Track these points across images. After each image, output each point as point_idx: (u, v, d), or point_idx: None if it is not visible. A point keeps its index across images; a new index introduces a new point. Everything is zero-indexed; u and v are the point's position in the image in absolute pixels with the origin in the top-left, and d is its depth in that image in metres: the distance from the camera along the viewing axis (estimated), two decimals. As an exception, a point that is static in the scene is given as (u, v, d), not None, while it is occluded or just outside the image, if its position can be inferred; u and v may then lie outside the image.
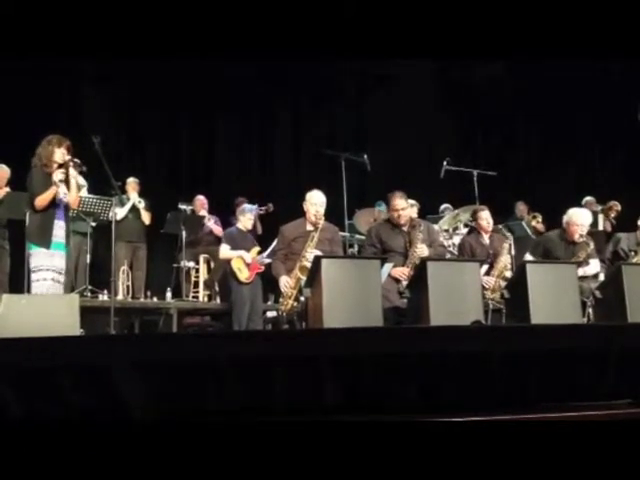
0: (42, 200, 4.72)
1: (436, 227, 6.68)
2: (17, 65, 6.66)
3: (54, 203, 4.77)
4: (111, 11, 5.35)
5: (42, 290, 4.61)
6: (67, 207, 4.92)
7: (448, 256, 6.23)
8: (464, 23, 5.81)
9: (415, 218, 5.23)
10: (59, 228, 4.80)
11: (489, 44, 6.04)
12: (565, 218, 5.80)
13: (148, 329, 6.93)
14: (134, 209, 7.21)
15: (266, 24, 5.69)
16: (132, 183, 7.29)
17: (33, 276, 4.68)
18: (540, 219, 8.05)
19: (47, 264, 4.68)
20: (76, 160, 4.85)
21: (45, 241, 4.70)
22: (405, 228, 5.22)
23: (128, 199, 7.18)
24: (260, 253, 6.61)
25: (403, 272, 5.00)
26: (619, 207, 8.06)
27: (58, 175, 4.77)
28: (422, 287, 4.53)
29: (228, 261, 6.50)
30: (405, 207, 5.27)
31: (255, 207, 7.16)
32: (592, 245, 5.71)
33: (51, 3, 5.28)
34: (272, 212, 7.44)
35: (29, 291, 4.72)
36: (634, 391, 3.35)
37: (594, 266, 5.76)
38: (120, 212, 6.99)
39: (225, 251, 6.53)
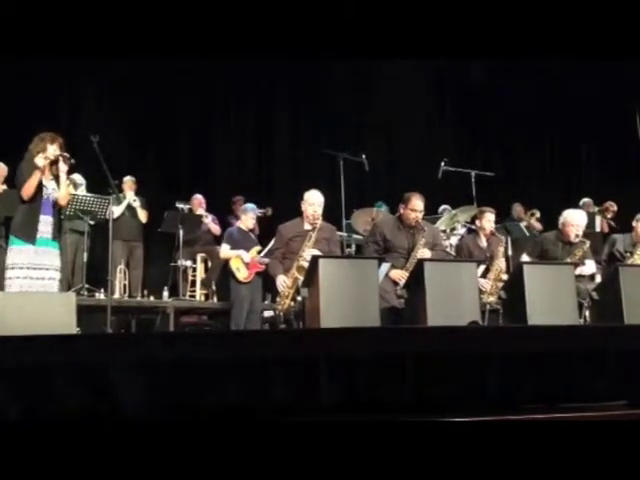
0: (27, 188, 4.64)
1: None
2: (16, 64, 6.66)
3: (40, 195, 4.69)
4: (110, 10, 5.34)
5: (15, 289, 4.49)
6: (55, 203, 4.81)
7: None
8: (463, 23, 5.82)
9: (421, 221, 5.21)
10: (47, 223, 4.70)
11: (488, 44, 6.05)
12: (561, 219, 5.85)
13: (145, 328, 6.92)
14: (130, 208, 7.20)
15: (266, 24, 5.69)
16: (129, 182, 7.28)
17: (7, 273, 4.58)
18: (538, 215, 8.07)
19: (23, 262, 4.57)
20: (64, 154, 4.78)
21: (30, 236, 4.60)
22: (412, 230, 5.22)
23: (124, 198, 7.17)
24: (260, 252, 6.60)
25: (402, 276, 4.98)
26: (615, 208, 8.09)
27: (40, 160, 4.68)
28: (419, 287, 4.53)
29: (227, 261, 6.50)
30: (422, 209, 5.27)
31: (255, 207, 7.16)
32: (588, 244, 5.74)
33: (51, 3, 5.27)
34: (265, 218, 7.44)
35: (2, 289, 4.60)
36: (630, 392, 3.36)
37: (590, 266, 5.78)
38: (116, 211, 6.95)
39: (225, 251, 6.54)
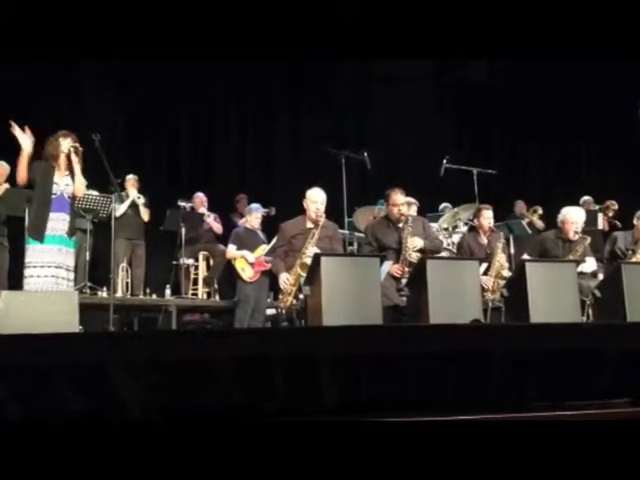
0: (18, 172, 4.71)
1: (435, 225, 6.69)
2: (18, 63, 6.65)
3: (50, 193, 4.71)
4: (112, 10, 5.34)
5: (33, 288, 4.52)
6: (73, 198, 4.87)
7: (446, 254, 6.23)
8: (464, 23, 5.82)
9: (406, 214, 5.26)
10: (61, 221, 4.72)
11: (489, 43, 6.05)
12: (559, 217, 5.89)
13: (147, 326, 6.93)
14: (133, 206, 7.21)
15: (267, 24, 5.70)
16: (131, 180, 7.29)
17: (25, 272, 4.61)
18: (540, 212, 8.06)
19: (39, 260, 4.59)
20: (75, 144, 4.82)
21: (38, 234, 4.62)
22: (400, 225, 5.25)
23: (127, 196, 7.18)
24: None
25: (398, 269, 5.04)
26: (616, 206, 8.07)
27: (26, 143, 4.71)
28: (421, 285, 4.54)
29: (232, 260, 6.53)
30: (404, 202, 5.31)
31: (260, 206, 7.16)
32: (589, 240, 5.74)
33: (52, 2, 5.28)
34: (266, 216, 7.43)
35: (22, 288, 4.63)
36: (633, 390, 3.35)
37: (590, 263, 5.77)
38: (119, 209, 6.98)
39: (231, 251, 6.59)
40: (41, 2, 5.37)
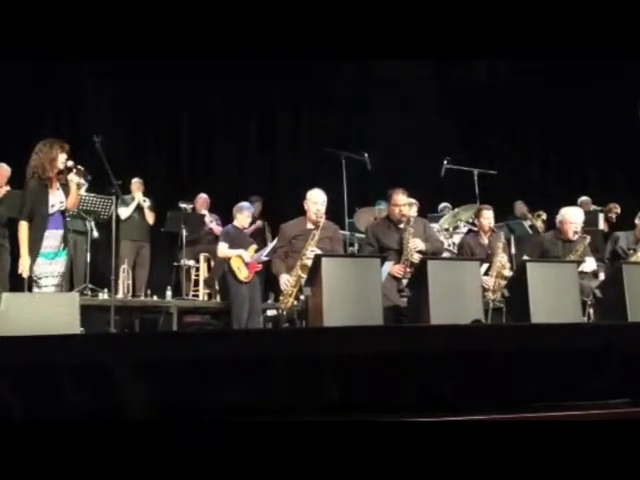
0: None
1: (436, 226, 6.70)
2: (18, 64, 6.67)
3: (46, 218, 4.58)
4: (112, 10, 5.35)
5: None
6: (64, 212, 4.72)
7: (447, 254, 6.23)
8: (464, 23, 5.82)
9: (407, 215, 5.25)
10: (58, 237, 4.62)
11: (489, 44, 6.05)
12: (558, 217, 5.90)
13: (148, 328, 6.93)
14: (138, 209, 7.24)
15: (267, 24, 5.70)
16: (137, 183, 7.34)
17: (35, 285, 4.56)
18: (544, 217, 8.05)
19: (47, 271, 4.57)
20: (80, 167, 4.68)
21: (32, 259, 4.52)
22: (402, 225, 5.25)
23: (133, 199, 7.22)
24: (257, 251, 6.59)
25: (400, 270, 5.03)
26: (619, 209, 8.05)
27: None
28: (422, 286, 4.53)
29: (227, 260, 6.48)
30: (406, 203, 5.30)
31: (252, 205, 7.13)
32: (588, 239, 5.74)
33: (52, 2, 5.28)
34: (267, 217, 7.41)
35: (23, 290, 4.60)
36: (634, 390, 3.35)
37: (590, 263, 5.77)
38: (125, 211, 7.08)
39: (223, 249, 6.46)
40: (41, 2, 5.37)
